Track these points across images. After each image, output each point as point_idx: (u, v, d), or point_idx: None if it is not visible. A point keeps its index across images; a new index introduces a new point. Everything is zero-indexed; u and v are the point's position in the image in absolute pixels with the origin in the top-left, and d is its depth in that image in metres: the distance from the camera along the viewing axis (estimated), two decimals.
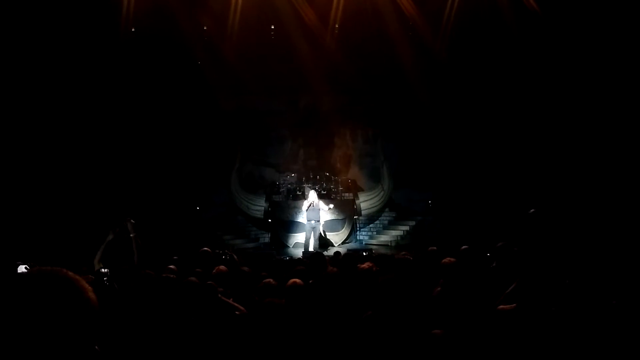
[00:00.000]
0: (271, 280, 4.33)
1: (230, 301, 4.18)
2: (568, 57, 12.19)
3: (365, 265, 4.55)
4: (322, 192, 14.20)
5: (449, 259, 4.04)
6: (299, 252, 12.24)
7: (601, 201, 10.81)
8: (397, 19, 13.99)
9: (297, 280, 4.12)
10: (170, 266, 5.82)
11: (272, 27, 14.68)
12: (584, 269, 3.89)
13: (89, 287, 1.09)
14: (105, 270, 5.04)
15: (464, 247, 5.81)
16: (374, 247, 13.33)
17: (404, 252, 6.71)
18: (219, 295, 3.98)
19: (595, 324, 2.81)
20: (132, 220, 5.74)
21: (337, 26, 14.19)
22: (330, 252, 11.71)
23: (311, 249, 12.08)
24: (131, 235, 5.29)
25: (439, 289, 3.94)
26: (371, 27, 14.26)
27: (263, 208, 14.72)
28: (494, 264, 4.64)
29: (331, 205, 13.15)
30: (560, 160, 12.47)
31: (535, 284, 3.06)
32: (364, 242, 14.34)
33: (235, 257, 6.27)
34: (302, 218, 13.28)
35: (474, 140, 14.02)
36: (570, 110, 12.36)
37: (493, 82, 13.39)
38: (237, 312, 3.92)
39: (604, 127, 11.71)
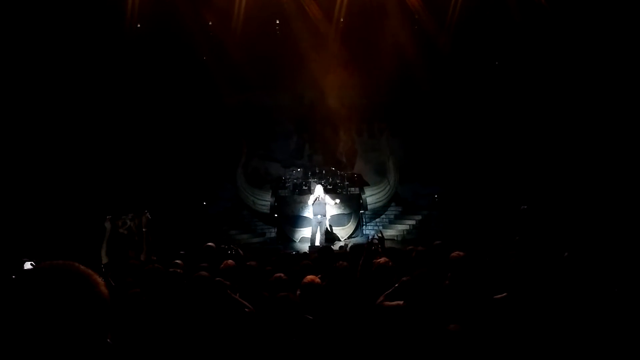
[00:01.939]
0: (282, 275, 4.32)
1: (237, 296, 4.18)
2: (574, 51, 12.11)
3: (382, 260, 4.55)
4: (328, 186, 14.19)
5: (457, 252, 4.02)
6: (305, 247, 12.25)
7: (604, 195, 10.77)
8: (402, 12, 13.93)
9: (314, 277, 4.08)
10: (177, 261, 5.84)
11: (277, 22, 14.66)
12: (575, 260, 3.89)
13: (101, 281, 1.10)
14: (102, 267, 5.06)
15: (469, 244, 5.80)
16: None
17: (410, 247, 6.69)
18: (228, 291, 3.98)
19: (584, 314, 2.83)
20: (148, 215, 5.75)
21: (341, 20, 14.16)
22: (336, 246, 11.71)
23: (317, 243, 12.08)
24: (143, 229, 5.32)
25: (447, 282, 3.94)
26: (376, 21, 14.21)
27: (269, 203, 14.74)
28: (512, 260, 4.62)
29: (337, 200, 13.15)
30: (565, 154, 12.42)
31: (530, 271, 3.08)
32: (370, 237, 14.31)
33: (240, 251, 6.27)
34: (308, 213, 13.27)
35: (480, 135, 13.97)
36: (575, 104, 12.29)
37: (499, 76, 13.33)
38: (246, 310, 3.92)
39: (609, 118, 11.64)
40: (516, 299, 3.09)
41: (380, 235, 5.56)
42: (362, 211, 14.47)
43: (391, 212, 15.42)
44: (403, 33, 14.15)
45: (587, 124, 11.96)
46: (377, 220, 15.13)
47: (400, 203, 15.53)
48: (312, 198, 12.69)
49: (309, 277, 4.00)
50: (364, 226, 14.62)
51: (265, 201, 14.94)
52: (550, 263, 3.88)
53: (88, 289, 1.06)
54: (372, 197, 15.04)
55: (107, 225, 6.22)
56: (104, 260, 6.10)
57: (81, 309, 1.02)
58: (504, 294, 3.24)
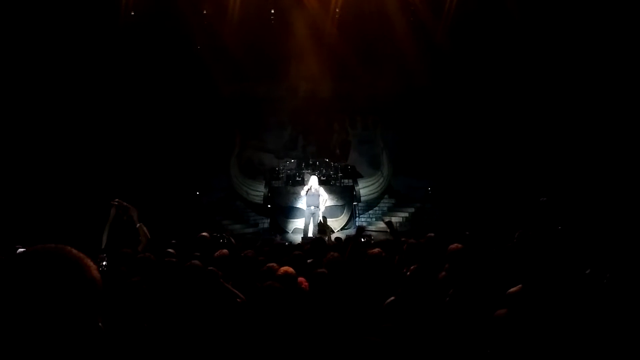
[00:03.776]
0: (274, 264, 4.33)
1: (230, 286, 4.19)
2: (572, 45, 12.10)
3: (376, 250, 4.57)
4: (322, 178, 14.18)
5: (456, 245, 4.03)
6: (298, 238, 12.25)
7: (603, 194, 10.81)
8: (398, 4, 13.88)
9: (288, 268, 4.09)
10: (169, 250, 5.83)
11: (272, 12, 14.57)
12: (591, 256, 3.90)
13: (93, 265, 1.09)
14: (103, 255, 5.05)
15: (467, 233, 5.83)
16: (372, 233, 13.34)
17: (403, 238, 6.70)
18: (221, 280, 3.98)
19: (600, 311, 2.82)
20: (134, 209, 5.68)
21: (337, 11, 14.09)
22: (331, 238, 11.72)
23: (310, 234, 12.10)
24: (137, 225, 5.28)
25: (443, 273, 3.96)
26: (372, 12, 14.15)
27: (262, 193, 14.74)
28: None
29: (327, 198, 13.05)
30: (559, 150, 12.46)
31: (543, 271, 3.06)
32: (357, 224, 14.34)
33: (232, 240, 6.26)
34: (301, 204, 13.28)
35: (474, 129, 13.99)
36: (571, 100, 12.32)
37: (494, 69, 13.32)
38: (238, 300, 3.93)
39: (605, 117, 11.65)
40: (532, 291, 3.05)
41: (388, 220, 5.63)
42: (356, 203, 14.49)
43: (384, 204, 15.46)
44: (399, 26, 14.11)
45: (584, 121, 11.98)
46: (370, 212, 15.17)
47: (393, 195, 15.57)
48: (305, 188, 12.68)
49: (283, 269, 4.01)
50: (357, 218, 14.64)
51: (258, 192, 14.93)
52: (562, 255, 3.87)
53: (79, 272, 1.05)
54: (365, 189, 15.06)
55: (112, 211, 6.15)
56: (103, 244, 6.06)
57: (71, 292, 1.01)
58: (519, 286, 3.19)
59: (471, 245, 4.51)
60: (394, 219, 14.58)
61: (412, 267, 3.36)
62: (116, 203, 5.56)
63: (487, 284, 3.52)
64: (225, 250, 4.98)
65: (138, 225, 5.54)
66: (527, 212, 8.96)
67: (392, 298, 3.42)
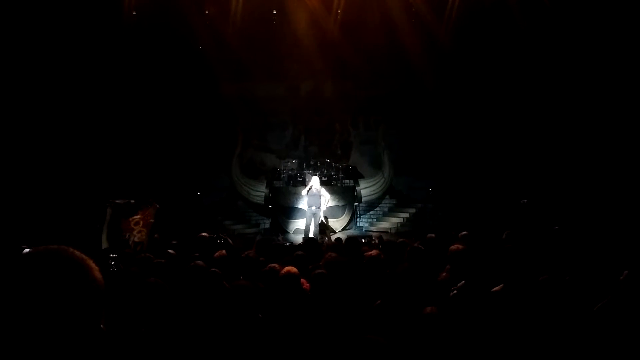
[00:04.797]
0: (276, 265, 4.33)
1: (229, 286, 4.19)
2: (573, 48, 12.09)
3: (373, 252, 4.56)
4: (323, 178, 14.18)
5: (457, 245, 4.04)
6: (299, 239, 12.25)
7: (599, 195, 10.81)
8: (400, 4, 13.88)
9: (291, 268, 4.09)
10: (169, 250, 5.84)
11: (274, 12, 14.57)
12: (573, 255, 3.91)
13: (96, 267, 1.10)
14: (114, 255, 5.09)
15: (463, 232, 5.83)
16: (374, 233, 13.34)
17: (402, 239, 6.71)
18: (224, 282, 3.99)
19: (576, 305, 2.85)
20: (157, 206, 5.72)
21: (339, 11, 14.09)
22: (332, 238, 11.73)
23: (311, 235, 12.07)
24: (150, 221, 5.32)
25: (444, 274, 3.96)
26: (374, 12, 14.15)
27: (264, 194, 14.74)
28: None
29: (329, 199, 13.05)
30: (559, 151, 12.45)
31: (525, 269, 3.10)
32: (364, 229, 14.35)
33: (229, 240, 6.27)
34: (302, 204, 13.27)
35: (475, 129, 13.97)
36: (571, 101, 12.31)
37: (496, 70, 13.31)
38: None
39: (605, 118, 11.64)
40: (513, 290, 3.10)
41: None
42: (357, 203, 14.49)
43: (385, 204, 15.45)
44: (402, 25, 14.10)
45: (584, 121, 11.98)
46: (372, 212, 15.17)
47: (394, 196, 15.55)
48: (306, 189, 12.66)
49: (286, 269, 4.01)
50: (358, 218, 14.65)
51: (260, 192, 14.93)
52: (547, 256, 3.90)
53: (81, 274, 1.05)
54: (366, 189, 15.05)
55: (109, 210, 6.17)
56: (104, 245, 6.08)
57: (74, 294, 1.02)
58: (501, 286, 3.24)
59: (473, 245, 4.52)
60: (396, 220, 14.62)
61: (399, 268, 3.37)
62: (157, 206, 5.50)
63: (482, 283, 3.53)
64: (223, 251, 4.99)
65: (152, 220, 5.56)
66: (510, 214, 8.99)
67: (379, 301, 3.43)
